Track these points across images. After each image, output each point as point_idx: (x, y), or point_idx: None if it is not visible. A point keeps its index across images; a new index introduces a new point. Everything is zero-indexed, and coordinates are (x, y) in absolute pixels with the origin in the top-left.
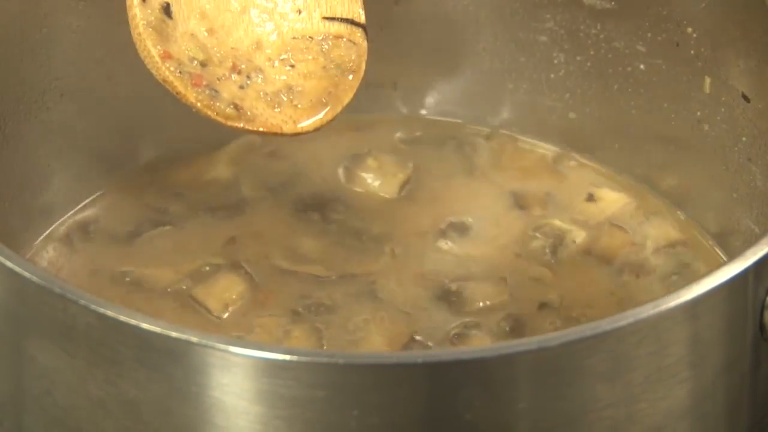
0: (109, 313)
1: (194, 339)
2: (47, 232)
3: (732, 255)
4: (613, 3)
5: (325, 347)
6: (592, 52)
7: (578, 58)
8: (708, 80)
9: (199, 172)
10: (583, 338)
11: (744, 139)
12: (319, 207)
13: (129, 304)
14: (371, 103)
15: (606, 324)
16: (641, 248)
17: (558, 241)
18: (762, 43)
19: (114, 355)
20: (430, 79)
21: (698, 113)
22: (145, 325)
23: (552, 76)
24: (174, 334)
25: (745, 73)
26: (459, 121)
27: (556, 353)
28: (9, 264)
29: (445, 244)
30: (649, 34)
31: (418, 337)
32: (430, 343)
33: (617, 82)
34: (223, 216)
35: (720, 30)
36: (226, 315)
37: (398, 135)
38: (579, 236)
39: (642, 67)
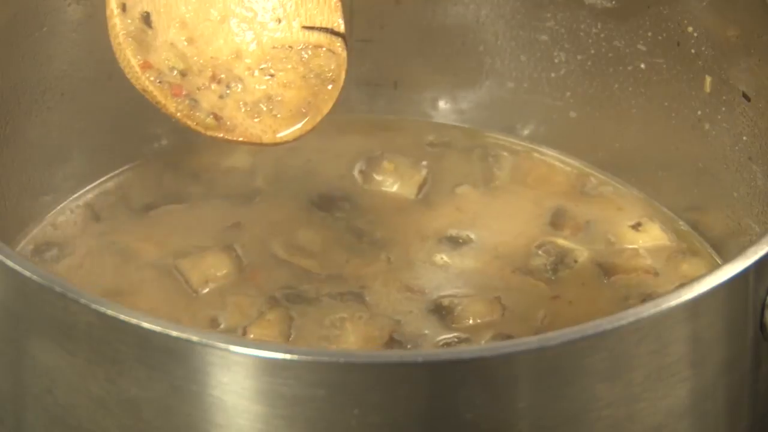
0: (110, 312)
1: (195, 338)
2: (49, 223)
3: None
4: (613, 2)
5: (292, 336)
6: (592, 51)
7: (579, 57)
8: (708, 79)
9: (217, 158)
10: (583, 337)
11: (744, 138)
12: (328, 204)
13: (116, 273)
14: (385, 103)
15: (606, 323)
16: (658, 281)
17: (559, 259)
18: (762, 42)
19: (114, 354)
20: (430, 78)
21: (699, 112)
22: (145, 324)
23: (552, 75)
24: (174, 333)
25: (746, 72)
26: (461, 122)
27: (556, 352)
28: (9, 263)
29: (443, 257)
30: (649, 34)
31: (396, 337)
32: (409, 346)
33: (618, 81)
34: (234, 202)
35: (720, 29)
36: (204, 291)
37: (410, 138)
38: (581, 256)
39: (642, 66)
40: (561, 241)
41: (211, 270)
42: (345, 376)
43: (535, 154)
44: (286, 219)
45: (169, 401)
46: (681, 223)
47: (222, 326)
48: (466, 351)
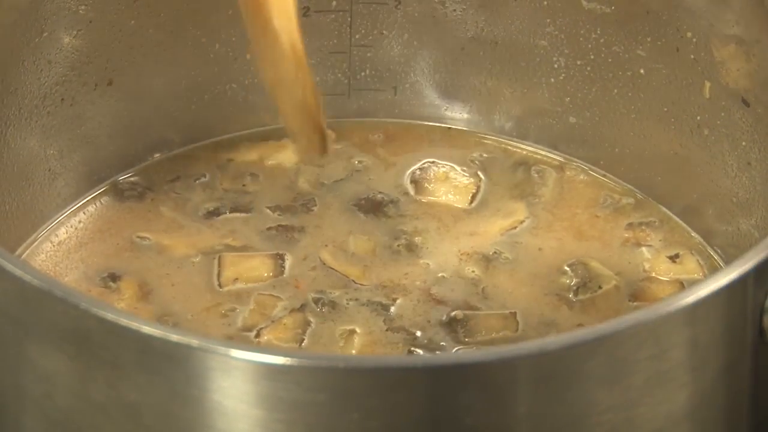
0: (110, 316)
1: (195, 343)
2: (52, 225)
3: None
4: (612, 7)
5: (304, 343)
6: (592, 57)
7: (578, 62)
8: (708, 85)
9: (262, 157)
10: (582, 342)
11: (743, 143)
12: (373, 209)
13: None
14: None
15: (606, 328)
16: None
17: (582, 282)
18: (761, 47)
19: (114, 359)
20: (430, 83)
21: (698, 117)
22: (145, 329)
23: (552, 80)
24: (174, 338)
25: (745, 77)
26: (461, 126)
27: (556, 357)
28: (10, 267)
29: (476, 269)
30: (648, 39)
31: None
32: None
33: (617, 87)
34: (283, 207)
35: (719, 35)
36: (227, 288)
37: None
38: (607, 284)
39: (642, 71)
40: (594, 264)
41: (248, 273)
42: (345, 380)
43: (580, 173)
44: (335, 223)
45: (169, 406)
46: (717, 258)
47: (239, 325)
48: (465, 355)
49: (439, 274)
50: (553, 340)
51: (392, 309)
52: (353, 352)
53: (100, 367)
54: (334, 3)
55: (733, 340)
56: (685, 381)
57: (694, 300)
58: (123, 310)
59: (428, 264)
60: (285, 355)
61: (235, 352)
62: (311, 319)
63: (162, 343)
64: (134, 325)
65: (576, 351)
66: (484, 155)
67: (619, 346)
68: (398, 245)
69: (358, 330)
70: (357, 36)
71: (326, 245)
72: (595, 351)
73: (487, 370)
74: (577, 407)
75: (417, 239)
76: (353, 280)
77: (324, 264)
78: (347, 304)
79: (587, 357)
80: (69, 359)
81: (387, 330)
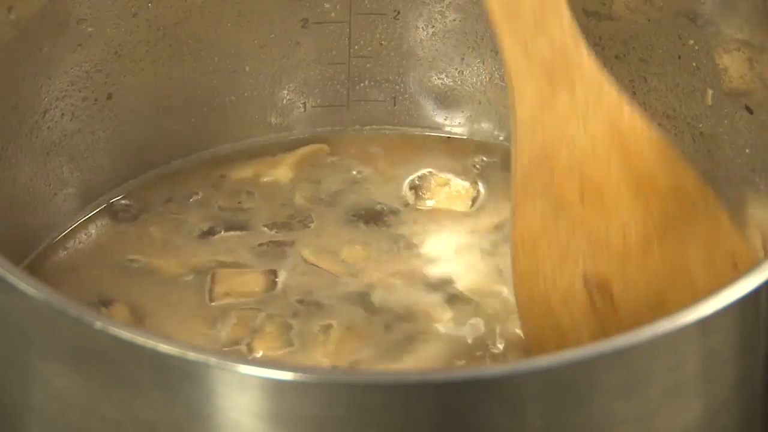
0: (125, 335)
1: (212, 360)
2: (53, 241)
3: None
4: (614, 14)
5: (295, 345)
6: None
7: None
8: (710, 92)
9: (258, 173)
10: (600, 355)
11: (747, 150)
12: (373, 218)
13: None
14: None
15: (623, 340)
16: None
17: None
18: (764, 54)
19: (130, 377)
20: (431, 92)
21: (700, 125)
22: (162, 347)
23: None
24: (191, 356)
25: (748, 84)
26: (464, 135)
27: (572, 370)
28: (23, 286)
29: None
30: (650, 46)
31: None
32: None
33: None
34: (280, 224)
35: (722, 42)
36: (215, 303)
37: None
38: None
39: (644, 78)
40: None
41: (240, 288)
42: (362, 396)
43: None
44: (332, 235)
45: (185, 424)
46: None
47: (222, 338)
48: (484, 370)
49: (432, 270)
50: (570, 354)
51: (373, 297)
52: (332, 344)
53: (114, 386)
54: (333, 14)
55: (747, 351)
56: (701, 391)
57: (710, 312)
58: (139, 329)
59: (422, 263)
60: (302, 372)
61: (253, 370)
62: (290, 321)
63: (179, 361)
64: (150, 343)
65: (593, 363)
66: (484, 161)
67: (637, 358)
68: (397, 249)
69: (334, 323)
70: (356, 47)
71: (317, 249)
72: (612, 363)
73: (505, 385)
74: (594, 419)
75: (415, 240)
76: (338, 277)
77: (309, 263)
78: (329, 301)
79: (604, 369)
80: (83, 378)
81: (366, 313)
